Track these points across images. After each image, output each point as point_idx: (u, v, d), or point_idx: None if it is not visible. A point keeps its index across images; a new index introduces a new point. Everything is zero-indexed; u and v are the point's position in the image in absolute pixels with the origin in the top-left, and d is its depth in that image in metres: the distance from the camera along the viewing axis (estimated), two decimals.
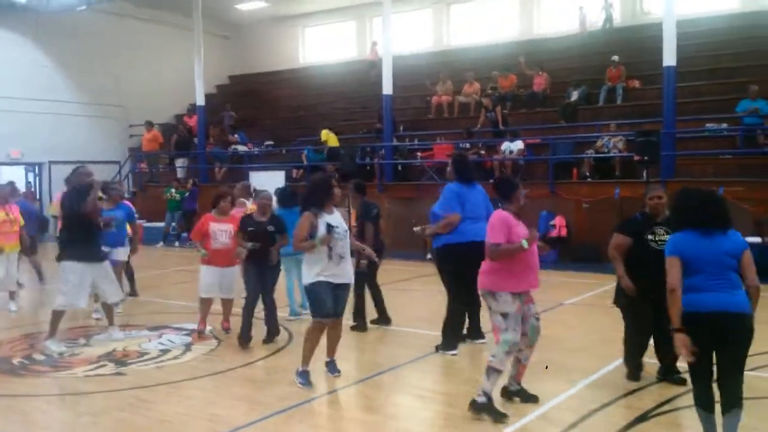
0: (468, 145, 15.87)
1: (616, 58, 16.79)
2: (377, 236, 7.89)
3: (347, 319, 8.30)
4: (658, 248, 5.35)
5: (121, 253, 8.93)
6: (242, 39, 26.58)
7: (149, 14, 23.04)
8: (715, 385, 4.13)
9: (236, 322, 7.45)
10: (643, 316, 5.74)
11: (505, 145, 15.28)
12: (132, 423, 5.16)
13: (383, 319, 8.15)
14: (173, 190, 17.90)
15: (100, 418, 5.28)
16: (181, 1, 20.65)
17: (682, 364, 5.13)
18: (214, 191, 8.24)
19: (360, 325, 7.93)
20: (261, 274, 7.18)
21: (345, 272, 5.81)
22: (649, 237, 5.76)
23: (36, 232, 11.35)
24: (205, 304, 7.79)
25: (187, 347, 7.32)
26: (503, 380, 5.30)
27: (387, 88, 16.67)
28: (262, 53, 26.19)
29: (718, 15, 17.96)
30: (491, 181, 6.02)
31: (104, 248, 7.77)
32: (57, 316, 7.26)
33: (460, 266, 6.62)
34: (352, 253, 6.31)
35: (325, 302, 5.71)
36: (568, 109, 16.43)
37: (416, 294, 10.65)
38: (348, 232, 5.91)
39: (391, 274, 8.79)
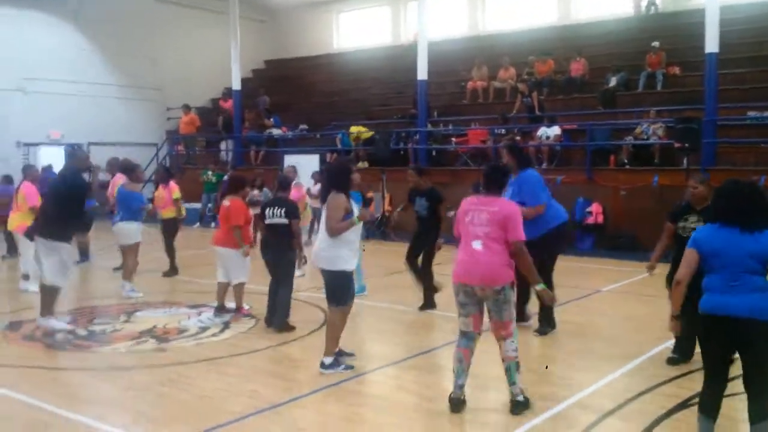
0: (503, 131, 15.74)
1: (656, 44, 16.47)
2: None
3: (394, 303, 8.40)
4: (684, 236, 5.36)
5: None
6: (278, 24, 26.67)
7: None
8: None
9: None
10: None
11: (542, 131, 15.13)
12: (173, 398, 5.29)
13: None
14: (210, 173, 18.12)
15: (142, 393, 5.42)
16: None
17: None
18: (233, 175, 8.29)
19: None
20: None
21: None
22: (680, 224, 5.79)
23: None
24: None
25: (225, 325, 7.44)
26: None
27: (422, 74, 16.60)
28: (297, 38, 26.25)
29: (760, 1, 17.51)
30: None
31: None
32: (54, 293, 7.32)
33: (562, 245, 6.92)
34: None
35: (353, 288, 5.82)
36: (606, 95, 16.17)
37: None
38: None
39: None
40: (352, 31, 25.82)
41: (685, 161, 12.41)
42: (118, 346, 6.73)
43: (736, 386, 4.20)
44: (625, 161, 14.11)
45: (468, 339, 4.92)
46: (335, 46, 25.93)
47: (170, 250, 10.67)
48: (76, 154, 7.74)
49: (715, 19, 12.93)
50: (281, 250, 7.05)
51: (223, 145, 21.01)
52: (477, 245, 4.76)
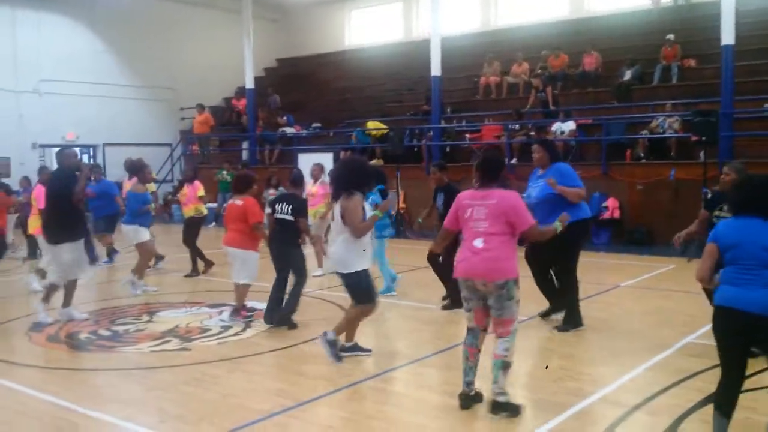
0: (518, 126, 15.70)
1: (671, 36, 16.37)
2: None
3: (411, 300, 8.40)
4: None
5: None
6: (290, 22, 26.72)
7: None
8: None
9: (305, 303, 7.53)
10: None
11: (556, 126, 15.08)
12: (199, 397, 5.31)
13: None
14: (224, 172, 18.20)
15: (167, 392, 5.45)
16: None
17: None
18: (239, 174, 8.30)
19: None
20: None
21: None
22: (715, 213, 5.78)
23: (117, 212, 11.47)
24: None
25: (247, 324, 7.46)
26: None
27: (435, 70, 16.59)
28: (309, 36, 26.29)
29: None
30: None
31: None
32: (73, 285, 7.63)
33: (586, 240, 6.95)
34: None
35: (372, 286, 5.82)
36: (621, 89, 16.10)
37: None
38: None
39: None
40: (364, 28, 25.81)
41: (702, 155, 12.33)
42: (141, 346, 6.78)
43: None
44: (641, 155, 14.04)
45: (473, 335, 4.83)
46: (347, 43, 25.94)
47: (194, 249, 10.73)
48: (65, 153, 7.72)
49: (730, 11, 12.84)
50: (286, 245, 7.10)
51: (245, 144, 20.98)
52: (478, 242, 4.65)
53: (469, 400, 4.82)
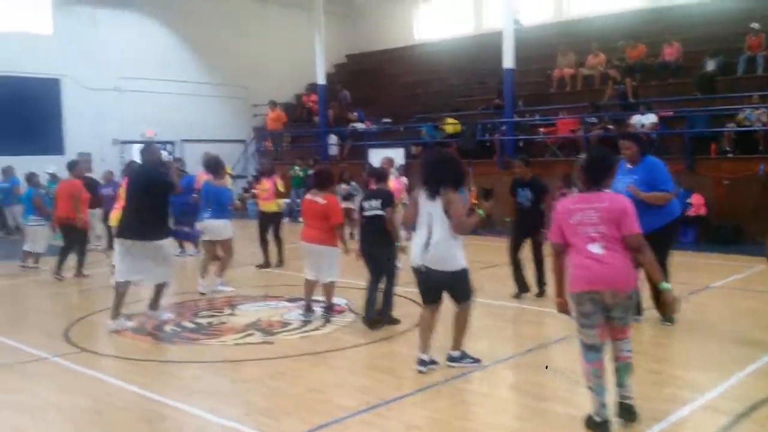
0: (595, 119, 15.26)
1: (756, 25, 15.56)
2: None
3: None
4: None
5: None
6: (358, 18, 26.75)
7: None
8: None
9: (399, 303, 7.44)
10: None
11: (636, 119, 14.57)
12: (284, 391, 5.32)
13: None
14: (297, 168, 18.38)
15: (253, 386, 5.48)
16: None
17: None
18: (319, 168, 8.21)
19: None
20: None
21: None
22: None
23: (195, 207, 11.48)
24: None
25: (327, 319, 7.46)
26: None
27: (508, 62, 16.29)
28: (378, 31, 26.26)
29: None
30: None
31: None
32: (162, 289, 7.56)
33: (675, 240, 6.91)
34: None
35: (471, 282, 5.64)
36: (704, 80, 15.41)
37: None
38: None
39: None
40: (434, 22, 25.60)
41: None
42: (225, 338, 6.86)
43: None
44: (728, 149, 13.41)
45: (597, 351, 4.37)
46: (416, 37, 25.79)
47: (270, 243, 10.87)
48: (150, 149, 7.60)
49: None
50: (381, 243, 6.96)
51: (332, 139, 20.97)
52: (597, 248, 4.26)
53: (607, 426, 4.27)
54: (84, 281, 10.32)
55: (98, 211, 12.42)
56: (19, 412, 5.04)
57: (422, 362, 5.59)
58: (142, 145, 7.81)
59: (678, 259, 10.25)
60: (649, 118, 14.41)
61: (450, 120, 17.82)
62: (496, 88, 18.42)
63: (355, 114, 20.98)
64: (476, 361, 5.73)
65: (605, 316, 4.32)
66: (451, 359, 5.68)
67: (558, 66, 18.08)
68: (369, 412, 4.83)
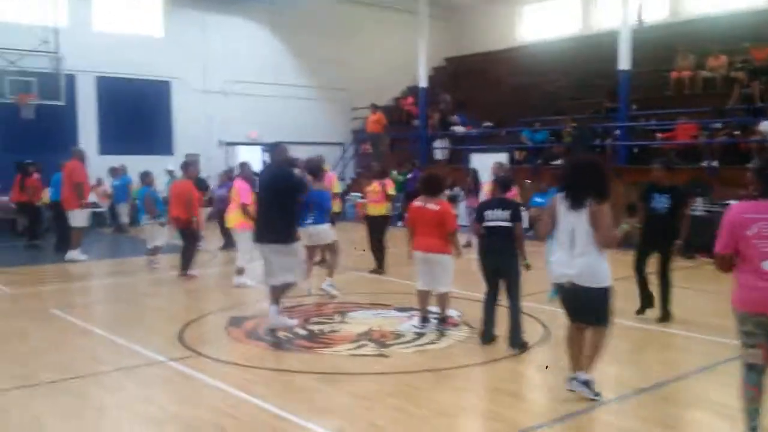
0: (719, 125, 14.25)
1: None
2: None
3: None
4: None
5: None
6: (459, 21, 26.30)
7: None
8: None
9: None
10: None
11: (765, 125, 13.48)
12: (409, 412, 5.00)
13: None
14: (395, 172, 18.13)
15: (375, 404, 5.19)
16: None
17: None
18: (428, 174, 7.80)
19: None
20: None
21: None
22: None
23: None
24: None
25: (441, 332, 7.14)
26: None
27: (624, 63, 15.52)
28: (478, 33, 25.74)
29: None
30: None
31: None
32: (284, 289, 7.39)
33: None
34: None
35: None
36: None
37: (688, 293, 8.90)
38: None
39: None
40: (537, 23, 24.85)
41: None
42: (339, 348, 6.65)
43: None
44: None
45: (757, 373, 4.09)
46: (518, 38, 25.13)
47: (380, 248, 10.67)
48: (279, 148, 7.43)
49: None
50: (507, 256, 6.54)
51: (438, 143, 20.53)
52: None
53: None
54: (194, 281, 10.40)
55: (206, 211, 12.62)
56: (139, 423, 4.93)
57: (572, 381, 5.17)
58: (270, 145, 7.48)
59: None
60: None
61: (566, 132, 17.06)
62: (606, 90, 17.59)
63: (456, 117, 20.56)
64: (597, 395, 5.13)
65: None
66: (576, 381, 5.13)
67: (677, 68, 17.03)
68: None
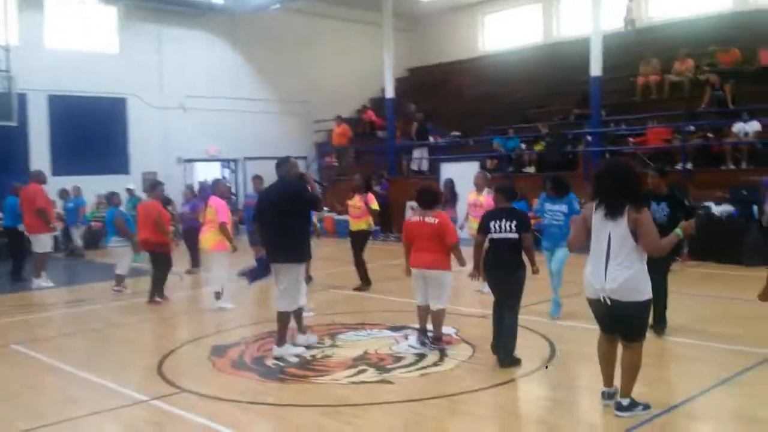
0: (692, 128, 14.22)
1: None
2: None
3: None
4: None
5: None
6: (421, 31, 26.11)
7: (337, 12, 23.01)
8: None
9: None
10: None
11: (739, 127, 13.49)
12: None
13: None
14: None
15: None
16: None
17: None
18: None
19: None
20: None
21: None
22: None
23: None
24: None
25: (442, 352, 6.69)
26: None
27: (595, 69, 15.42)
28: (440, 44, 25.56)
29: None
30: None
31: None
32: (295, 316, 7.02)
33: None
34: None
35: None
36: None
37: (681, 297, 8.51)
38: None
39: None
40: (499, 33, 24.78)
41: None
42: (336, 375, 6.13)
43: None
44: None
45: None
46: (481, 48, 25.02)
47: (360, 263, 10.22)
48: (287, 162, 6.96)
49: None
50: (512, 268, 6.16)
51: (416, 153, 19.98)
52: None
53: None
54: (165, 307, 9.73)
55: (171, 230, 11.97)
56: None
57: (606, 396, 4.88)
58: (279, 159, 6.97)
59: None
60: (753, 126, 13.33)
61: (537, 146, 16.89)
62: (573, 98, 17.50)
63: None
64: (647, 407, 4.85)
65: None
66: (620, 408, 4.79)
67: (643, 73, 17.03)
68: None
